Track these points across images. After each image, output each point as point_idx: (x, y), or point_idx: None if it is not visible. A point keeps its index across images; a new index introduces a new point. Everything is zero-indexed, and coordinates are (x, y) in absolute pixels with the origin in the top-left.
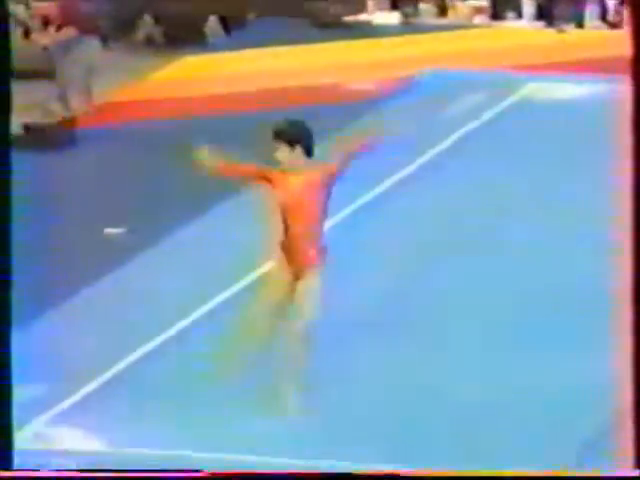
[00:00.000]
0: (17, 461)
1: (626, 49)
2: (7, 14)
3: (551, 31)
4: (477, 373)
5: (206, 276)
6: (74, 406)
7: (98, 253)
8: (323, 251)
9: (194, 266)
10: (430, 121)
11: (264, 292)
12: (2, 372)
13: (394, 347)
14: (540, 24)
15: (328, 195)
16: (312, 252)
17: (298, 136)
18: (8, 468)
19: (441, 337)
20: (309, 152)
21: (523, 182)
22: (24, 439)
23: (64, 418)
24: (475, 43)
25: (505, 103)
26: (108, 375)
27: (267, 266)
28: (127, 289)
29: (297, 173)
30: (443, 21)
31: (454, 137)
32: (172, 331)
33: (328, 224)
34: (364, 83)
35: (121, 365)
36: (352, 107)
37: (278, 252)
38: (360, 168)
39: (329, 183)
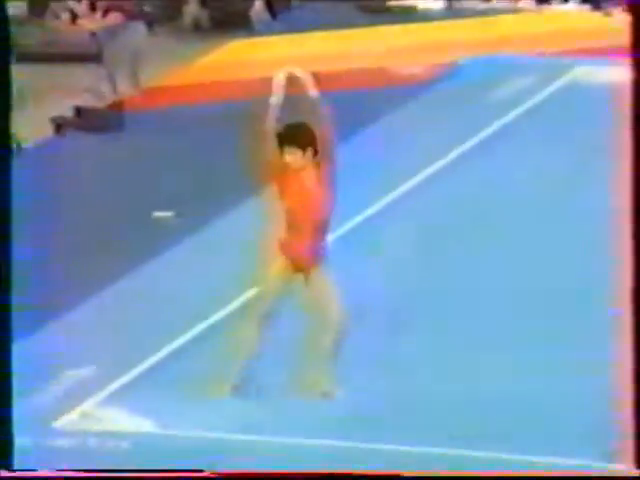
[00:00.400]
0: (68, 443)
1: None
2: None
3: (597, 14)
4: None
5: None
6: (125, 387)
7: (146, 235)
8: (324, 249)
9: (244, 248)
10: (477, 105)
11: (260, 294)
12: (2, 374)
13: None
14: (586, 7)
15: (333, 174)
16: (320, 250)
17: (309, 138)
18: (9, 468)
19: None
20: (317, 153)
21: (571, 166)
22: (74, 421)
23: (115, 399)
24: (520, 27)
25: (552, 87)
26: (159, 356)
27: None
28: (177, 271)
29: (307, 171)
30: (488, 5)
31: (501, 121)
32: (225, 312)
33: (377, 210)
34: (410, 67)
35: (170, 347)
36: (399, 91)
37: (279, 256)
38: (407, 150)
39: (329, 156)
